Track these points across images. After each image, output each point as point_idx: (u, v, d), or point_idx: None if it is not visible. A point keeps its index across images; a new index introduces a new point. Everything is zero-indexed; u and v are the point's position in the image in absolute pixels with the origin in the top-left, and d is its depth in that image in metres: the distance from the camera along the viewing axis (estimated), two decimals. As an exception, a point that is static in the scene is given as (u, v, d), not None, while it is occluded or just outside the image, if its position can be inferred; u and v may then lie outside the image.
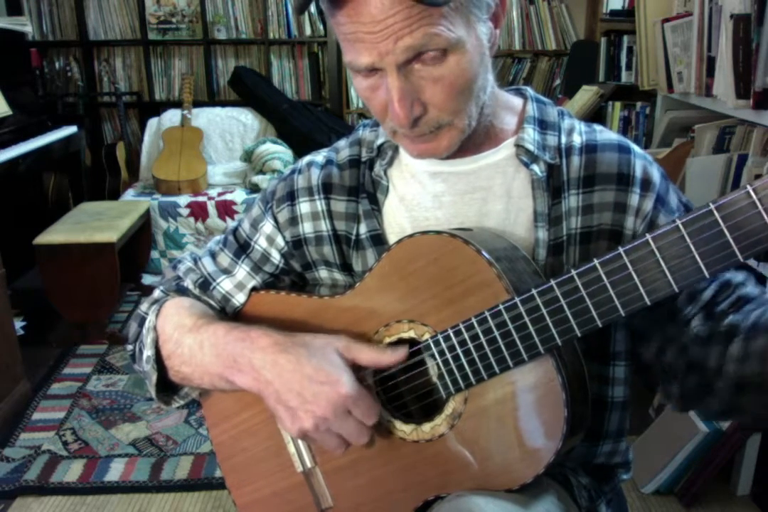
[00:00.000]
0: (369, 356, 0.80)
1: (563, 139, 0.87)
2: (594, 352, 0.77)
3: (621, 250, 0.65)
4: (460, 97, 0.77)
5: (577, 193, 0.85)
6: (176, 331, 0.88)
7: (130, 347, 0.98)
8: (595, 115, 2.87)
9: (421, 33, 0.71)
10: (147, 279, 3.42)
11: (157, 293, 0.98)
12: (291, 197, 0.94)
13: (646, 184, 0.85)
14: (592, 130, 0.89)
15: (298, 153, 3.73)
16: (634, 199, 0.84)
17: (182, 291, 0.97)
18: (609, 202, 0.84)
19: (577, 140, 0.87)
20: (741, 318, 0.78)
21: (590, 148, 0.86)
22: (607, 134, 0.89)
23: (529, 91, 0.92)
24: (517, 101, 0.91)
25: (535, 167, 0.85)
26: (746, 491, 1.88)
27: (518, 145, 0.86)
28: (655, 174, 0.86)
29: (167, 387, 0.92)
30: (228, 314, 0.96)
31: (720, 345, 0.77)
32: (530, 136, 0.86)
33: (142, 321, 0.95)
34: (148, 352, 0.90)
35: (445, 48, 0.73)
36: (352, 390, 0.76)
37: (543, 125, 0.88)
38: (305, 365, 0.78)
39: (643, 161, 0.86)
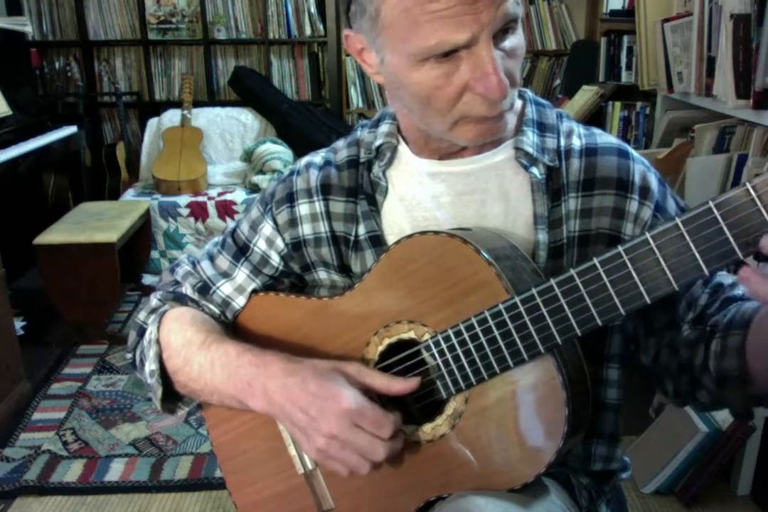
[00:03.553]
0: (380, 382, 0.79)
1: (562, 142, 0.87)
2: (588, 353, 0.77)
3: (620, 248, 0.65)
4: (519, 72, 0.77)
5: (576, 196, 0.85)
6: (184, 348, 0.88)
7: (129, 355, 0.98)
8: (595, 115, 2.87)
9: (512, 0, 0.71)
10: (147, 279, 3.42)
11: (154, 302, 0.97)
12: (290, 199, 0.93)
13: (645, 191, 0.85)
14: (591, 132, 0.89)
15: (298, 153, 3.72)
16: (633, 205, 0.84)
17: (179, 299, 0.96)
18: (608, 207, 0.84)
19: (576, 143, 0.87)
20: (721, 317, 0.80)
21: (590, 151, 0.86)
22: (606, 137, 0.88)
23: (528, 93, 0.91)
24: (516, 102, 0.89)
25: (534, 170, 0.84)
26: (746, 491, 1.88)
27: (517, 148, 0.85)
28: (653, 181, 0.86)
29: (170, 394, 0.92)
30: (228, 317, 0.96)
31: (703, 344, 0.80)
32: (529, 138, 0.85)
33: (141, 330, 0.95)
34: (152, 366, 0.90)
35: (517, 18, 0.73)
36: (353, 403, 0.75)
37: (542, 128, 0.87)
38: (310, 383, 0.78)
39: (642, 167, 0.86)
